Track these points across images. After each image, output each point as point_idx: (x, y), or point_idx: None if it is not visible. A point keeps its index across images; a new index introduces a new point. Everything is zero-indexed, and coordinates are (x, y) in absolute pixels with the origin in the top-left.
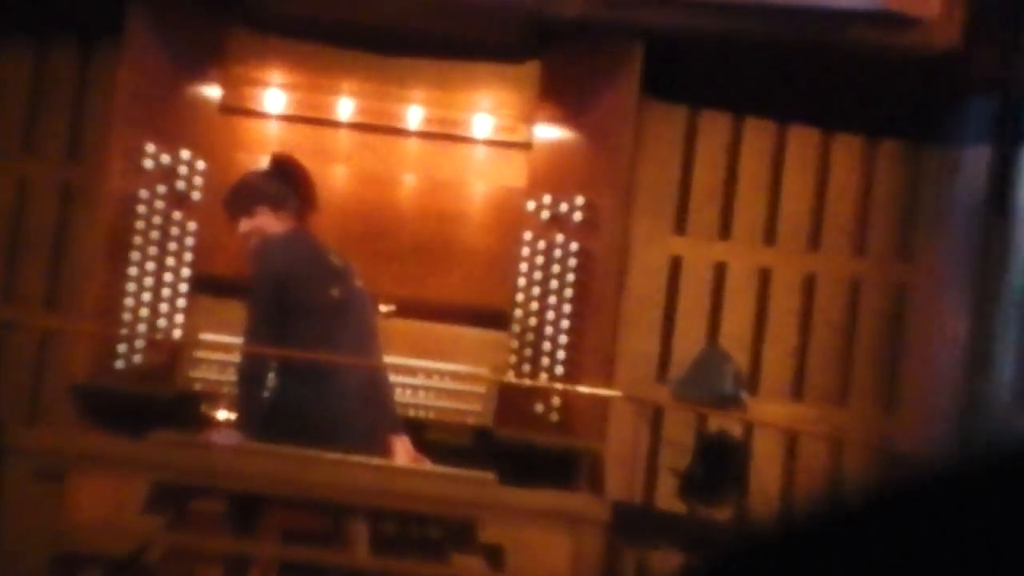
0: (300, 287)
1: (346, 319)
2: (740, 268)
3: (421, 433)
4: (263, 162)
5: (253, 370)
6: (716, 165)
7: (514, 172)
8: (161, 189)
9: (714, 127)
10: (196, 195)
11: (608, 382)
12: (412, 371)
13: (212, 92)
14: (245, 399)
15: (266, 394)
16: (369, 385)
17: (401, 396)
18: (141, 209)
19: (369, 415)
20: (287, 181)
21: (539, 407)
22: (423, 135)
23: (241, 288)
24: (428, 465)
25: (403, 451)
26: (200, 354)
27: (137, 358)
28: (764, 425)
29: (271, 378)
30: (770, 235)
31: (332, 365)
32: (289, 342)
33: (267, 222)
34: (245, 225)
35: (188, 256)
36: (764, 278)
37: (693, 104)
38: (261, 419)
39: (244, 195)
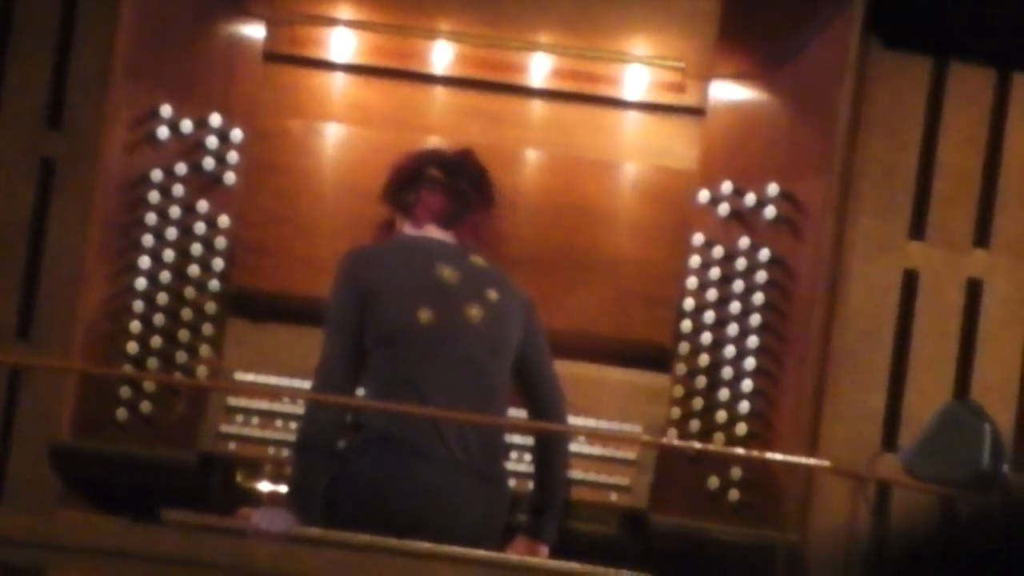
0: (381, 308)
1: (439, 352)
2: (1004, 288)
3: None
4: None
5: (315, 426)
6: (972, 141)
7: (681, 149)
8: (181, 169)
9: (970, 88)
10: (230, 177)
11: (812, 448)
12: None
13: (253, 32)
14: (300, 466)
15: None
16: (488, 449)
17: (516, 463)
18: (152, 197)
19: (484, 492)
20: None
21: (713, 482)
22: (551, 95)
23: (294, 311)
24: (551, 562)
25: (521, 542)
26: (235, 401)
27: (145, 407)
28: None
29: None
30: None
31: (426, 418)
32: (369, 383)
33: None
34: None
35: (219, 263)
36: None
37: (940, 54)
38: (322, 495)
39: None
